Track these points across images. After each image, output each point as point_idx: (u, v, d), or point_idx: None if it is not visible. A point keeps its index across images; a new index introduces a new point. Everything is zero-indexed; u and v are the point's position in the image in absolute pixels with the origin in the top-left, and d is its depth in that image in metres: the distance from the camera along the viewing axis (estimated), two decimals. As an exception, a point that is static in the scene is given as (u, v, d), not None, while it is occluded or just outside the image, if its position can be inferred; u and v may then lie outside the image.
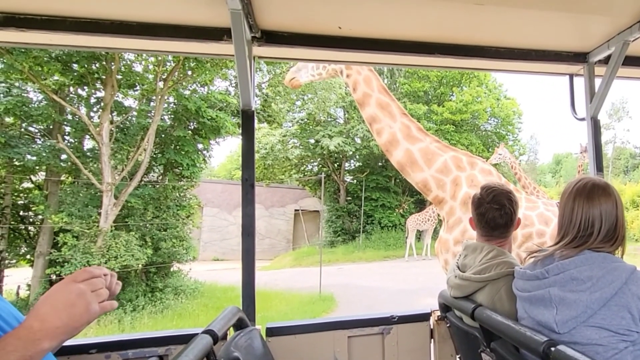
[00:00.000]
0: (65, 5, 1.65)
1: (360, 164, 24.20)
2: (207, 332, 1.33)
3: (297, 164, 24.27)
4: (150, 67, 10.84)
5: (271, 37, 1.93)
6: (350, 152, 21.75)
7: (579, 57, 2.38)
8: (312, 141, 21.99)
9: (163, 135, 11.51)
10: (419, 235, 20.92)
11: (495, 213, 1.73)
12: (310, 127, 22.37)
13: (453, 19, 1.93)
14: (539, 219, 4.45)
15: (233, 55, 1.78)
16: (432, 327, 2.23)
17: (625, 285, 1.25)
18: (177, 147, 11.76)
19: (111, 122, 9.89)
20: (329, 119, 22.84)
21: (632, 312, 1.23)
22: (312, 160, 24.29)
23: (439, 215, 20.44)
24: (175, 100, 11.61)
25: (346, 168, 24.11)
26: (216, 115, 11.75)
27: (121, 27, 1.75)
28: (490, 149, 22.85)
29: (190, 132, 11.94)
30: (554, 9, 1.86)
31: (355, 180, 23.10)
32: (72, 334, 0.84)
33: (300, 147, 22.42)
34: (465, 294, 1.72)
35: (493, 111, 23.13)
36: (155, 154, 11.43)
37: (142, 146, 10.14)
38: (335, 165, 23.71)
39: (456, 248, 4.26)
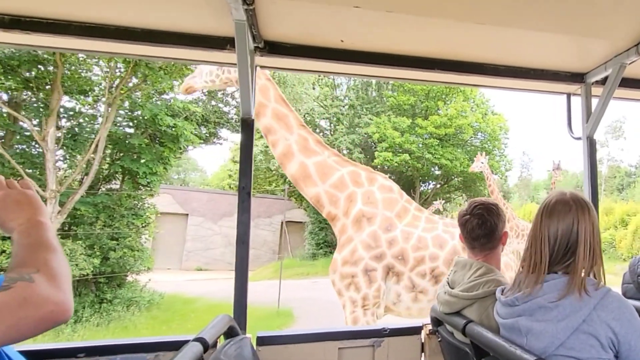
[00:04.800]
0: (70, 9, 1.70)
1: None
2: (198, 339, 1.36)
3: (284, 174, 24.26)
4: (101, 72, 10.66)
5: (274, 48, 2.00)
6: None
7: (577, 77, 2.47)
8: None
9: (118, 143, 11.28)
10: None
11: (474, 223, 1.79)
12: None
13: (454, 36, 2.00)
14: (434, 241, 4.30)
15: (235, 64, 1.84)
16: (423, 340, 2.27)
17: (594, 312, 1.22)
18: (134, 155, 11.52)
19: (58, 128, 9.69)
20: (317, 131, 22.68)
21: (601, 340, 1.21)
22: None
23: None
24: (130, 107, 11.41)
25: None
26: (174, 124, 11.52)
27: (125, 32, 1.81)
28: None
29: (147, 139, 11.65)
30: (554, 30, 1.95)
31: None
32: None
33: None
34: (453, 310, 1.76)
35: (479, 126, 23.00)
36: (112, 161, 11.27)
37: (91, 153, 9.93)
38: None
39: (344, 269, 4.12)
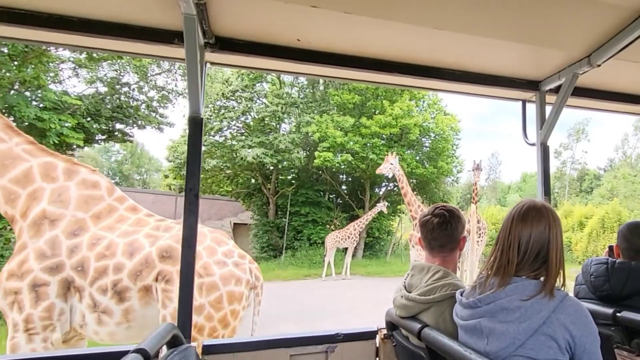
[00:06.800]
0: (-4, -7, 1.57)
1: (290, 177, 23.79)
2: (138, 350, 1.31)
3: (228, 174, 23.65)
4: None
5: (225, 44, 1.94)
6: (270, 164, 21.22)
7: (532, 85, 2.56)
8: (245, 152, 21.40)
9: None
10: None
11: (434, 222, 1.84)
12: (244, 135, 21.85)
13: (412, 40, 2.02)
14: (125, 248, 3.58)
15: (184, 60, 1.77)
16: (377, 345, 2.29)
17: (554, 314, 1.29)
18: None
19: None
20: (265, 130, 22.16)
21: (559, 342, 1.27)
22: (239, 173, 23.48)
23: (360, 232, 19.31)
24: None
25: (279, 180, 23.57)
26: (36, 116, 10.27)
27: (60, 21, 1.69)
28: (426, 164, 23.08)
29: None
30: (510, 39, 2.01)
31: (287, 194, 22.56)
32: None
33: (220, 157, 21.55)
34: (410, 314, 1.79)
35: (429, 126, 22.96)
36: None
37: None
38: (269, 177, 23.22)
39: (9, 284, 3.35)
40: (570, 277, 2.43)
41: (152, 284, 3.49)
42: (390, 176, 13.54)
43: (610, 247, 2.46)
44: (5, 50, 9.42)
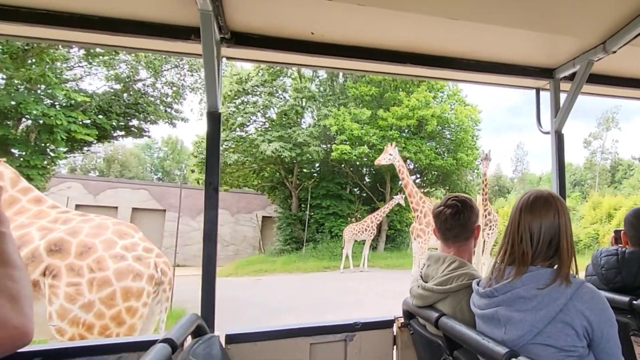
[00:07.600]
0: (20, -5, 1.62)
1: (311, 170, 23.98)
2: (166, 340, 1.34)
3: (257, 169, 23.88)
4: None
5: (241, 39, 1.96)
6: (289, 158, 21.34)
7: (546, 73, 2.54)
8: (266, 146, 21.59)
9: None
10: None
11: (447, 213, 1.86)
12: (266, 130, 22.04)
13: (425, 30, 2.03)
14: (39, 236, 3.36)
15: (200, 55, 1.80)
16: (395, 334, 2.31)
17: (570, 302, 1.31)
18: (4, 147, 10.61)
19: None
20: (287, 123, 22.31)
21: (576, 329, 1.29)
22: (264, 167, 23.71)
23: (379, 225, 19.26)
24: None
25: (301, 174, 23.72)
26: (43, 113, 10.44)
27: (81, 20, 1.74)
28: (444, 156, 22.99)
29: (14, 131, 10.68)
30: (524, 27, 2.00)
31: (309, 187, 22.77)
32: None
33: (241, 152, 21.78)
34: (427, 304, 1.81)
35: (447, 117, 22.75)
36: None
37: None
38: (292, 171, 23.39)
39: None
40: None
41: (40, 279, 3.26)
42: (405, 166, 13.34)
43: (616, 232, 2.44)
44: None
